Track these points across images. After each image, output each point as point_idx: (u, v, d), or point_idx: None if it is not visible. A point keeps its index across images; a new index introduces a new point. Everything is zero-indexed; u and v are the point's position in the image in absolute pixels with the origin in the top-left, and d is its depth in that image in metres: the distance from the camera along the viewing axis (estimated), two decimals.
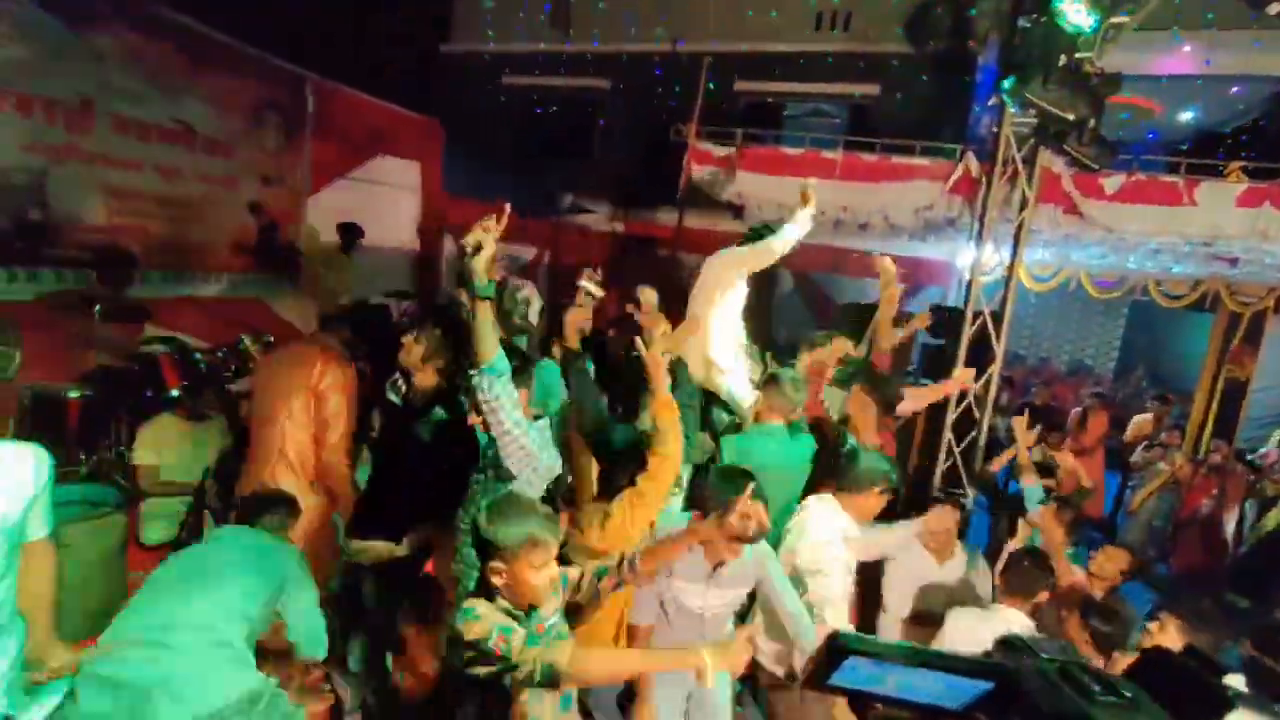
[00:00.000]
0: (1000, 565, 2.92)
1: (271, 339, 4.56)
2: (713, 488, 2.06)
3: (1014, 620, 2.49)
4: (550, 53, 11.24)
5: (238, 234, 5.15)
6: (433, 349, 2.48)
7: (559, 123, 11.56)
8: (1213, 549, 5.34)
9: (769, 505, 2.47)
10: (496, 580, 1.55)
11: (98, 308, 3.76)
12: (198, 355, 3.76)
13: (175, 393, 3.43)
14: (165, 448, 2.90)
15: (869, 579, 3.00)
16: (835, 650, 0.60)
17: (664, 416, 2.22)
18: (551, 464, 2.25)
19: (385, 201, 6.73)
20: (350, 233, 5.36)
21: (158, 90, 4.42)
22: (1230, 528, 5.40)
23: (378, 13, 10.28)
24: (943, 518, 2.87)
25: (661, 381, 2.22)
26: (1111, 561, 2.83)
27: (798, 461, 2.89)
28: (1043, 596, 2.58)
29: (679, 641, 2.15)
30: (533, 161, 11.06)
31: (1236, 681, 1.77)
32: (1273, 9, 3.01)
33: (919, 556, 2.99)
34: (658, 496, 2.22)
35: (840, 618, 2.20)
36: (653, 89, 10.45)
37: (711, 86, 8.54)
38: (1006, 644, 0.63)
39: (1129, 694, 0.53)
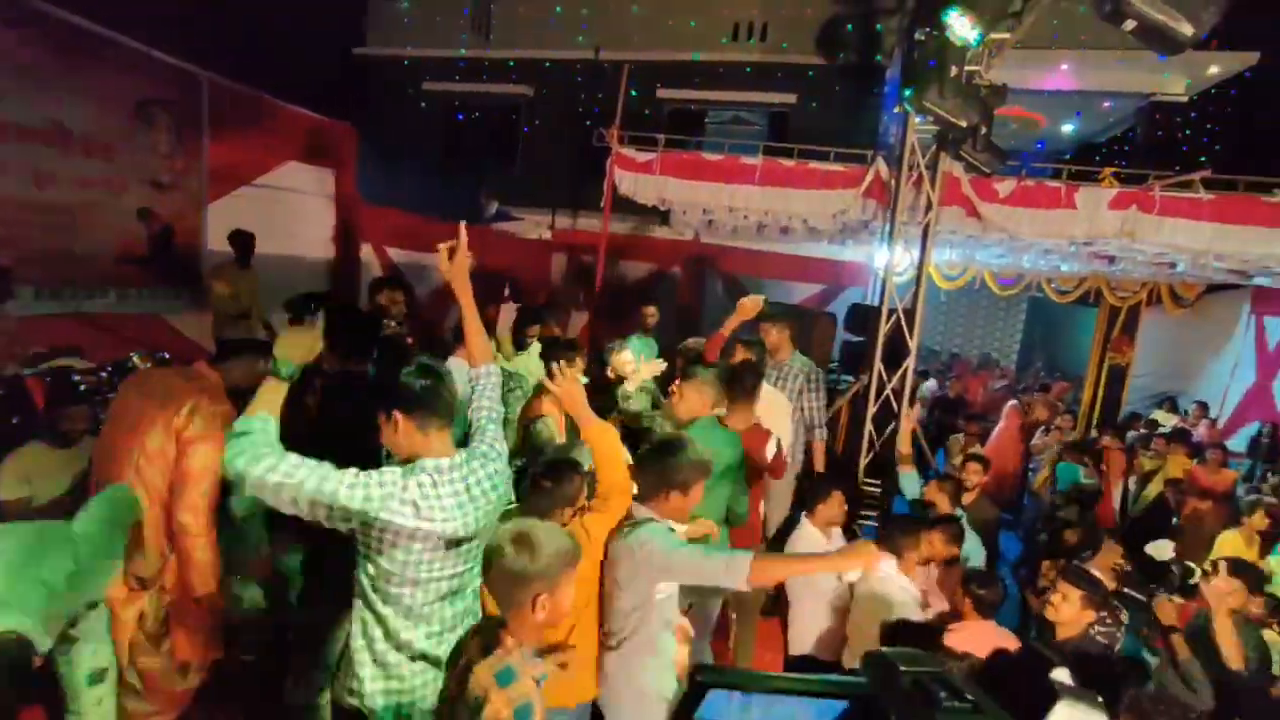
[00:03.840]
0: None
1: (168, 356, 4.22)
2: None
3: (890, 570, 2.82)
4: (471, 59, 11.06)
5: (126, 243, 4.75)
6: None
7: (482, 129, 11.38)
8: (1103, 521, 5.81)
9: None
10: (540, 615, 1.46)
11: None
12: (76, 376, 3.42)
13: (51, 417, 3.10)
14: (36, 477, 2.61)
15: None
16: (697, 685, 0.61)
17: (601, 442, 2.06)
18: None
19: (296, 210, 6.39)
20: (242, 242, 5.01)
21: (26, 87, 4.02)
22: (1117, 502, 5.90)
23: (284, 12, 9.79)
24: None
25: (583, 410, 2.10)
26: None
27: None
28: (916, 553, 2.93)
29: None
30: (456, 169, 10.82)
31: (1062, 675, 1.97)
32: (1127, 26, 3.35)
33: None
34: (603, 533, 2.04)
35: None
36: (575, 96, 10.46)
37: (634, 94, 8.62)
38: (872, 659, 0.66)
39: (972, 698, 0.58)
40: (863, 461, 5.69)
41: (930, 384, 9.43)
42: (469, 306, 1.95)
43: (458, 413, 1.79)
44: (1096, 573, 2.85)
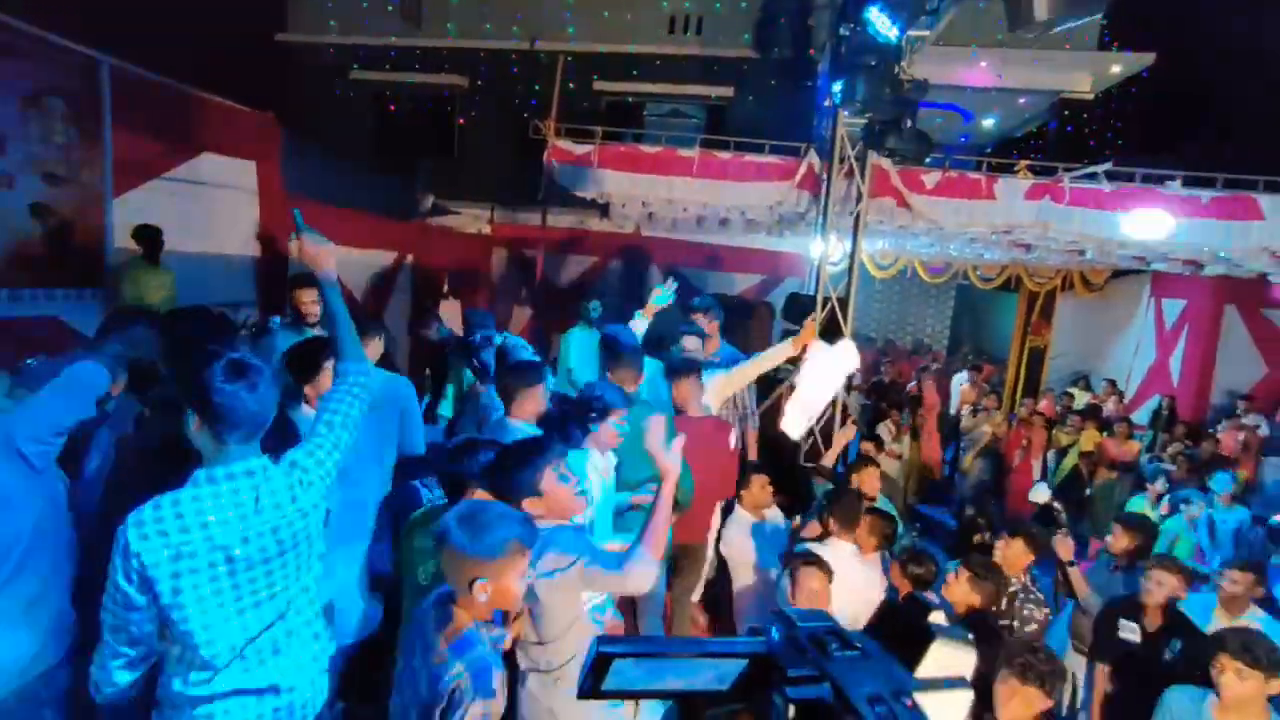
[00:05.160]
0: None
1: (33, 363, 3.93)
2: None
3: (843, 549, 2.93)
4: (402, 47, 10.70)
5: (19, 242, 4.37)
6: None
7: (416, 121, 11.04)
8: (1025, 494, 6.18)
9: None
10: (481, 598, 1.43)
11: None
12: None
13: None
14: None
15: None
16: (601, 656, 0.61)
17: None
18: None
19: (215, 205, 6.04)
20: (148, 238, 4.71)
21: None
22: (1037, 474, 6.28)
23: None
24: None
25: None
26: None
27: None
28: (864, 525, 3.05)
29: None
30: (390, 161, 10.47)
31: (939, 617, 2.14)
32: (1020, 32, 3.55)
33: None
34: None
35: None
36: (512, 87, 10.29)
37: (572, 86, 8.55)
38: (772, 617, 0.69)
39: (860, 645, 0.62)
40: (803, 447, 5.85)
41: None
42: (333, 294, 1.79)
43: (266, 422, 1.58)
44: (1016, 546, 3.01)
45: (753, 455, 4.19)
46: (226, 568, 1.49)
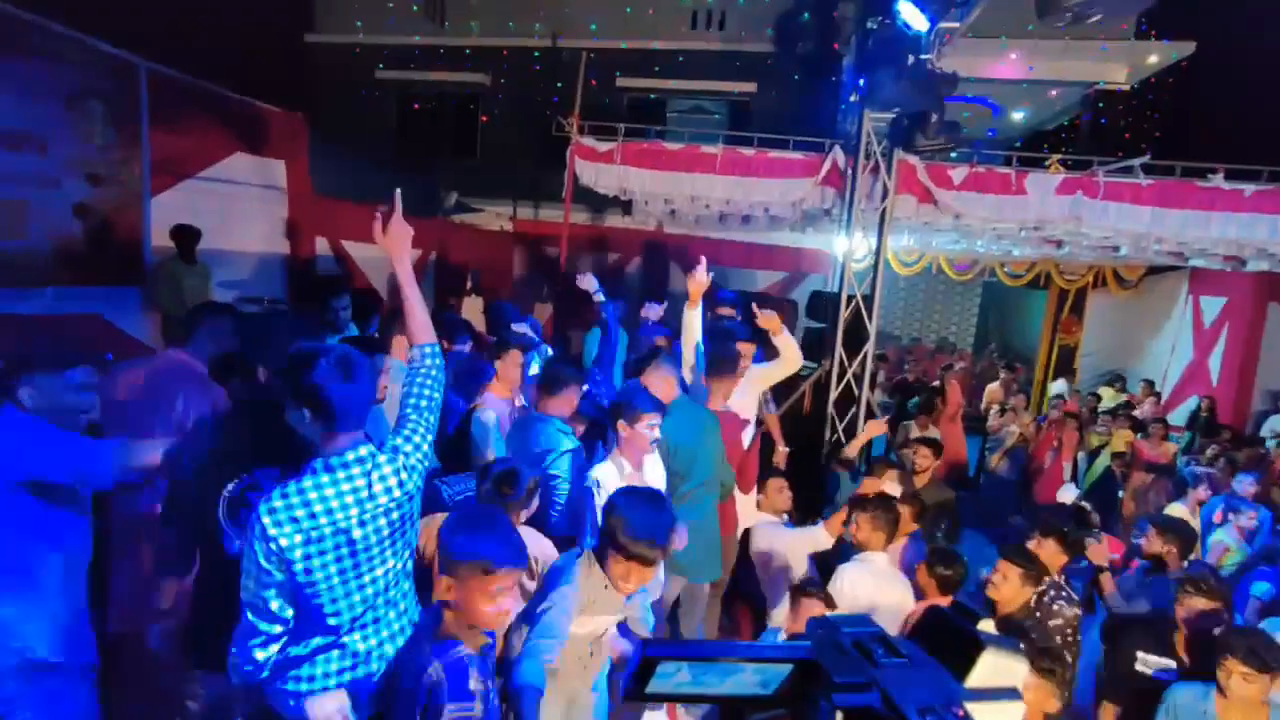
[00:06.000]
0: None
1: (112, 357, 4.06)
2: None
3: (876, 562, 2.84)
4: (426, 46, 10.81)
5: (63, 241, 4.51)
6: None
7: (439, 118, 11.15)
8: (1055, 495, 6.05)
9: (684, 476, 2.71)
10: (446, 594, 1.47)
11: None
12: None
13: None
14: None
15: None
16: (647, 660, 0.61)
17: None
18: None
19: (247, 204, 6.17)
20: (186, 237, 4.85)
21: None
22: (1067, 475, 6.14)
23: None
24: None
25: None
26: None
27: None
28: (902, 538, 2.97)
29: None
30: (414, 159, 10.59)
31: (988, 626, 2.10)
32: (1049, 19, 3.46)
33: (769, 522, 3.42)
34: None
35: None
36: (534, 85, 10.33)
37: (594, 83, 8.55)
38: (817, 623, 0.69)
39: (906, 652, 0.61)
40: (826, 443, 5.80)
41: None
42: (407, 278, 1.79)
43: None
44: (1049, 546, 2.95)
45: (777, 439, 4.16)
46: (348, 548, 1.59)
